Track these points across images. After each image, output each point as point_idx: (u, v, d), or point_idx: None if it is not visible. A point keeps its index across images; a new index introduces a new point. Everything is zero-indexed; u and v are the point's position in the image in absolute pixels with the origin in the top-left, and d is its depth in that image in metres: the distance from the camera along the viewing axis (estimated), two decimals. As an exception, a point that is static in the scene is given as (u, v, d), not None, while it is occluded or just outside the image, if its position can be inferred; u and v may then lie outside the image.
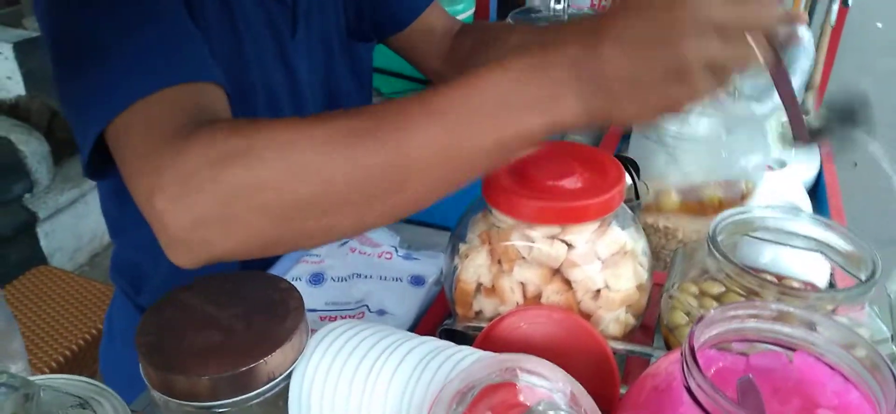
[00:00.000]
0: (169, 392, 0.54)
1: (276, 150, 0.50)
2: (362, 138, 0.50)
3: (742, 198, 0.91)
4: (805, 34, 0.66)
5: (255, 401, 0.55)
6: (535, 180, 0.66)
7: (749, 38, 0.47)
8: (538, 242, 0.64)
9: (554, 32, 0.79)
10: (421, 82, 1.77)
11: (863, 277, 0.62)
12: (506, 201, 0.65)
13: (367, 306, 0.78)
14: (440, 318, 0.77)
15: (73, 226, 2.74)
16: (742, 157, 0.90)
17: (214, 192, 0.50)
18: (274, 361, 0.54)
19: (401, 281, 0.81)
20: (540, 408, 0.45)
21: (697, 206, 0.91)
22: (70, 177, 2.74)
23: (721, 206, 0.89)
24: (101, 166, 0.63)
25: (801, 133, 0.56)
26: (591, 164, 0.68)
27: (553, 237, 0.64)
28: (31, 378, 0.43)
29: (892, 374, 0.46)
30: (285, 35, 0.82)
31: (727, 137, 0.88)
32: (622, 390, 0.61)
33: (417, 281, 0.81)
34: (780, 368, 0.53)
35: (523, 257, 0.66)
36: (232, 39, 0.77)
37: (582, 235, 0.65)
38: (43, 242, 2.62)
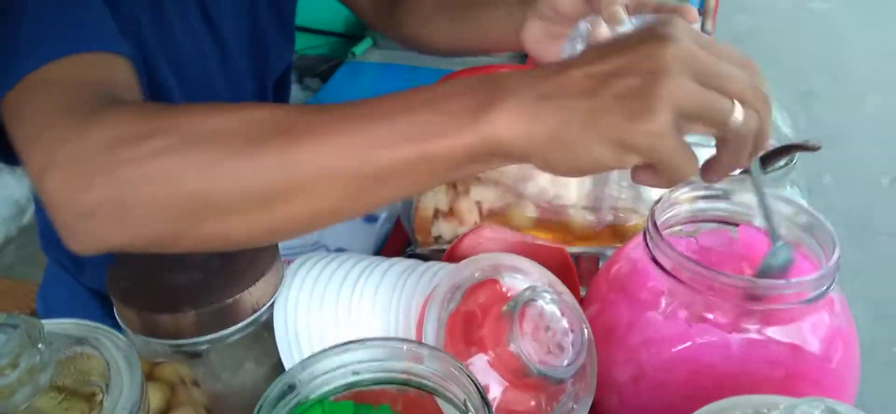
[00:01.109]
0: (152, 333, 0.54)
1: (177, 137, 0.46)
2: (272, 137, 0.45)
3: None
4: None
5: (240, 333, 0.56)
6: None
7: (735, 103, 0.41)
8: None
9: None
10: (330, 34, 1.76)
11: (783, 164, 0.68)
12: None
13: (325, 246, 0.79)
14: (398, 250, 0.79)
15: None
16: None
17: (107, 179, 0.46)
18: (257, 291, 0.55)
19: (354, 220, 0.82)
20: (527, 294, 0.48)
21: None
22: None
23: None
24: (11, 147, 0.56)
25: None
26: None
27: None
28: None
29: (830, 231, 0.52)
30: None
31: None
32: (582, 291, 0.65)
33: (370, 218, 0.83)
34: (726, 243, 0.58)
35: (478, 177, 0.69)
36: (153, 6, 0.75)
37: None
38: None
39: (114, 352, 0.44)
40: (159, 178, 0.46)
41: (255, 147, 0.45)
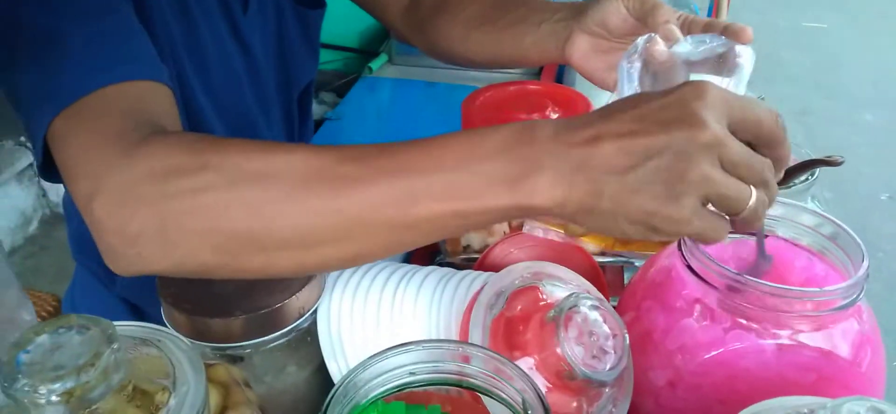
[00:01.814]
0: (201, 337, 0.56)
1: (224, 175, 0.48)
2: (312, 184, 0.47)
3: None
4: (745, 53, 0.58)
5: (285, 338, 0.58)
6: (512, 117, 0.71)
7: (752, 190, 0.43)
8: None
9: (516, 7, 0.79)
10: (345, 50, 1.78)
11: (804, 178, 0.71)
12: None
13: (355, 255, 0.81)
14: (426, 259, 0.81)
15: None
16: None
17: (154, 208, 0.48)
18: (303, 296, 0.57)
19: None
20: (572, 300, 0.50)
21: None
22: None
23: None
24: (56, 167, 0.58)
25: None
26: (563, 100, 0.73)
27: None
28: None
29: (858, 242, 0.54)
30: (237, 12, 0.82)
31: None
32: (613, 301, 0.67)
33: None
34: (753, 252, 0.60)
35: (508, 189, 0.71)
36: (185, 22, 0.76)
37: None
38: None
39: (177, 353, 0.45)
40: (205, 213, 0.48)
41: (300, 192, 0.47)
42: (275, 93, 0.91)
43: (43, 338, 0.41)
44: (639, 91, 0.59)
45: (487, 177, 0.44)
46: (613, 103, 0.45)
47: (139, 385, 0.43)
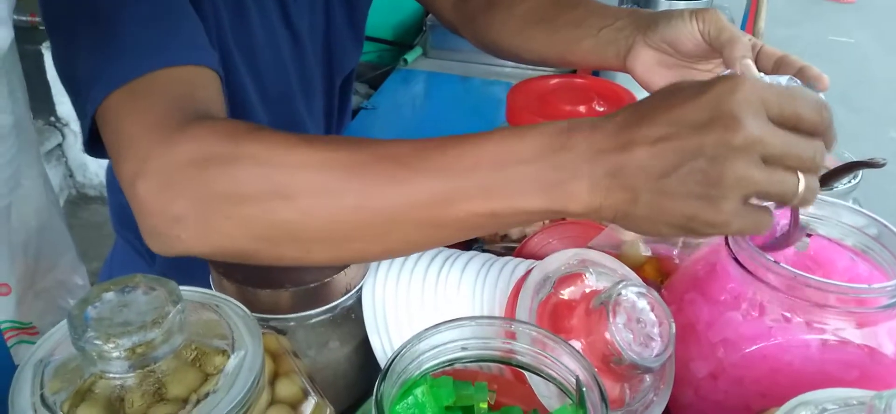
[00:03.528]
0: (249, 308, 0.57)
1: (264, 165, 0.49)
2: (350, 179, 0.48)
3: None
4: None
5: (330, 313, 0.59)
6: (557, 108, 0.71)
7: (800, 177, 0.42)
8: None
9: (573, 8, 0.79)
10: (379, 41, 1.79)
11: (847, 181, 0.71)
12: (534, 127, 0.70)
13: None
14: (464, 246, 0.82)
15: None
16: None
17: (196, 193, 0.49)
18: (350, 273, 0.58)
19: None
20: (620, 286, 0.51)
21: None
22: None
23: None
24: (101, 143, 0.60)
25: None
26: (608, 94, 0.73)
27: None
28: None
29: (904, 241, 0.54)
30: None
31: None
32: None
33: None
34: (796, 252, 0.61)
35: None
36: (235, 6, 0.78)
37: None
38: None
39: (234, 319, 0.46)
40: (246, 202, 0.49)
41: (337, 187, 0.48)
42: (319, 79, 0.92)
43: (110, 295, 0.42)
44: None
45: (523, 181, 0.45)
46: (648, 100, 0.45)
47: (200, 346, 0.44)
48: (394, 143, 0.49)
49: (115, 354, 0.39)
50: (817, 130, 0.43)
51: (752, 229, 0.43)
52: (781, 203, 0.44)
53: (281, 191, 0.48)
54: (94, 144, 0.61)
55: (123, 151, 0.53)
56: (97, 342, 0.39)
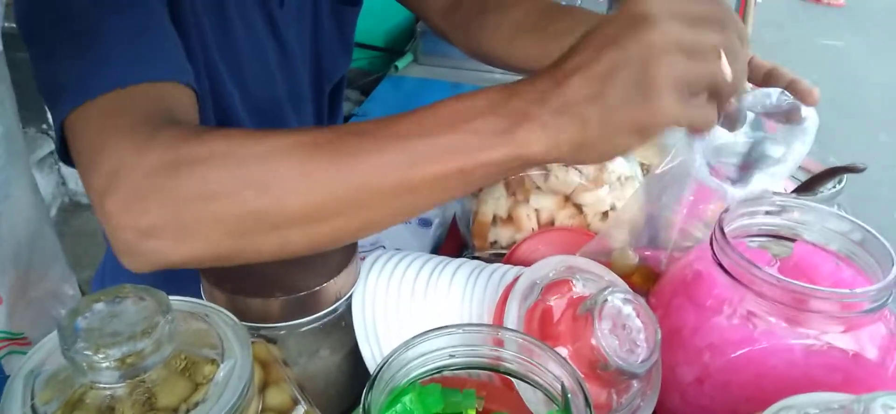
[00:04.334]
0: (239, 317, 0.57)
1: (233, 159, 0.49)
2: (319, 158, 0.49)
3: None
4: (810, 115, 0.59)
5: (320, 321, 0.59)
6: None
7: (725, 63, 0.46)
8: (554, 171, 0.71)
9: (564, 17, 0.80)
10: (370, 48, 1.80)
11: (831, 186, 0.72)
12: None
13: (383, 246, 0.82)
14: (452, 253, 0.82)
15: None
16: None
17: (167, 199, 0.49)
18: (340, 281, 0.58)
19: (410, 223, 0.86)
20: (606, 293, 0.51)
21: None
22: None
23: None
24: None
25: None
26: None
27: (567, 166, 0.71)
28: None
29: (887, 247, 0.55)
30: (274, 4, 0.83)
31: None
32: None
33: (424, 223, 0.86)
34: (780, 257, 0.61)
35: (538, 187, 0.72)
36: (218, 15, 0.77)
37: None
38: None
39: (224, 328, 0.47)
40: (216, 198, 0.49)
41: (306, 167, 0.49)
42: (307, 87, 0.92)
43: (100, 305, 0.42)
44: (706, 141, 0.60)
45: (482, 133, 0.47)
46: (577, 41, 0.48)
47: (189, 356, 0.44)
48: (357, 123, 0.51)
49: (105, 364, 0.40)
50: (715, 19, 0.47)
51: (700, 121, 0.47)
52: (715, 92, 0.47)
53: (251, 181, 0.49)
54: (67, 153, 0.60)
55: (91, 167, 0.53)
56: (87, 353, 0.39)
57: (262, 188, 0.49)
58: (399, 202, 0.50)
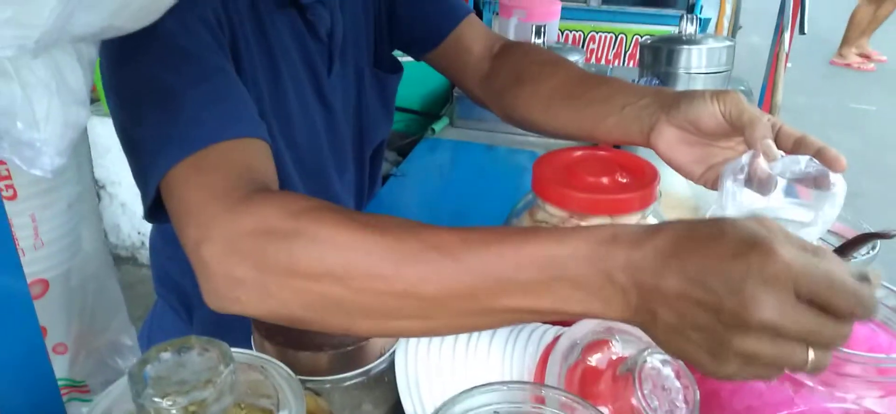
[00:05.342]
0: (289, 369, 0.59)
1: (319, 244, 0.52)
2: (400, 267, 0.51)
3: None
4: (838, 181, 0.60)
5: (364, 375, 0.61)
6: (581, 178, 0.74)
7: (811, 353, 0.42)
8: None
9: (598, 86, 0.82)
10: (407, 111, 1.85)
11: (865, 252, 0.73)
12: (559, 196, 0.72)
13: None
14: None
15: None
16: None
17: (256, 262, 0.53)
18: (384, 338, 0.60)
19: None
20: (646, 354, 0.53)
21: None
22: None
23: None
24: (163, 211, 0.64)
25: None
26: (631, 167, 0.76)
27: (602, 227, 0.73)
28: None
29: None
30: (322, 73, 0.88)
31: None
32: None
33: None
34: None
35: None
36: (274, 81, 0.83)
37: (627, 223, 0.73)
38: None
39: (279, 380, 0.49)
40: (300, 276, 0.53)
41: (387, 272, 0.51)
42: (350, 148, 0.96)
43: (167, 355, 0.45)
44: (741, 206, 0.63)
45: (563, 288, 0.47)
46: (691, 231, 0.45)
47: (248, 406, 0.47)
48: (439, 231, 0.52)
49: (173, 411, 0.42)
50: (848, 311, 0.42)
51: (756, 379, 0.47)
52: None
53: (334, 271, 0.52)
54: (155, 211, 0.66)
55: (189, 218, 0.58)
56: (156, 399, 0.42)
57: (342, 280, 0.52)
58: (469, 321, 0.52)
